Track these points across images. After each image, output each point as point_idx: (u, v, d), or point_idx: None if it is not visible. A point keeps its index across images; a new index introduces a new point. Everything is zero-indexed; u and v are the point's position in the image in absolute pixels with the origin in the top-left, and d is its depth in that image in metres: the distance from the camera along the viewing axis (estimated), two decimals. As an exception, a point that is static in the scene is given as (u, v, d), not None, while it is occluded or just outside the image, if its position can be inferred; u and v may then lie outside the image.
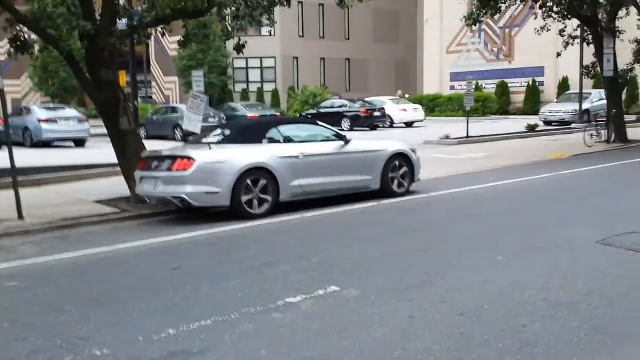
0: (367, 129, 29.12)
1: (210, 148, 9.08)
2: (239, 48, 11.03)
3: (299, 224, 8.72)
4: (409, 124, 31.84)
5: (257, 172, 9.00)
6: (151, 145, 11.86)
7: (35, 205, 10.18)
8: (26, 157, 18.48)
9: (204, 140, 9.70)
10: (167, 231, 8.39)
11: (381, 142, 11.25)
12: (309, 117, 30.90)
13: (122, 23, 11.30)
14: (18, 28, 10.32)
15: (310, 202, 9.70)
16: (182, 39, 11.59)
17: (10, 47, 10.44)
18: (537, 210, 9.17)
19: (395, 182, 10.54)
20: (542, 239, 7.26)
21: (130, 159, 10.33)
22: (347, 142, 10.15)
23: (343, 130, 28.76)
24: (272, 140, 9.64)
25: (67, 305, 5.29)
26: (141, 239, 7.98)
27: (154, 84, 46.80)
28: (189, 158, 8.73)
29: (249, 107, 30.22)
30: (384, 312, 4.97)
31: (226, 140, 9.53)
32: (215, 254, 7.16)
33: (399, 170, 10.58)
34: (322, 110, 30.98)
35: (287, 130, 9.95)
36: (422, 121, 32.45)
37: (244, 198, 8.87)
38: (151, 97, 45.42)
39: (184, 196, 8.65)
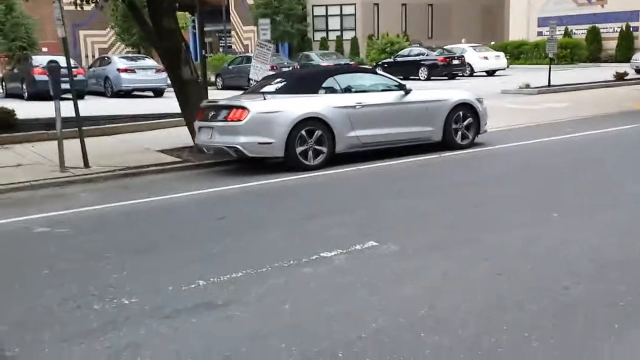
0: (445, 77, 28.29)
1: (264, 98, 9.00)
2: None
3: (353, 176, 8.57)
4: (490, 72, 30.68)
5: (311, 123, 8.87)
6: (225, 95, 11.91)
7: (102, 154, 10.51)
8: (105, 106, 19.16)
9: (262, 89, 9.63)
10: (222, 181, 8.47)
11: (444, 92, 10.82)
12: (385, 65, 30.39)
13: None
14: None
15: (369, 154, 9.52)
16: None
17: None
18: (608, 165, 8.63)
19: (459, 133, 10.16)
20: (606, 195, 6.82)
21: (193, 108, 10.41)
22: (407, 91, 9.82)
23: (420, 79, 28.12)
24: (328, 90, 9.45)
25: (108, 252, 5.42)
26: (196, 188, 8.09)
27: (233, 33, 47.07)
28: (243, 108, 8.69)
29: (324, 55, 29.96)
30: (418, 268, 4.81)
31: (282, 90, 9.42)
32: (263, 205, 7.15)
33: (463, 122, 10.17)
34: (398, 59, 30.31)
35: (344, 79, 9.71)
36: (504, 69, 31.17)
37: (299, 149, 8.78)
38: (231, 47, 45.77)
39: (238, 146, 8.66)
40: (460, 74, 29.13)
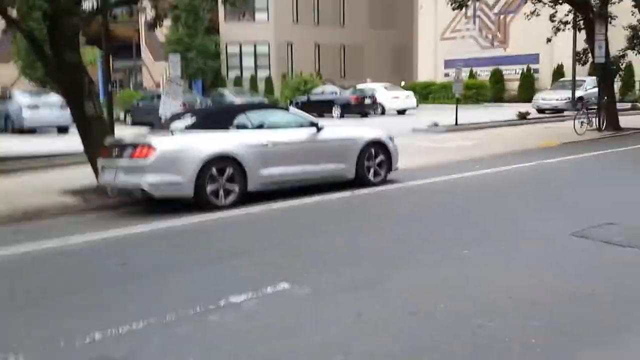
0: (358, 116, 28.73)
1: (172, 135, 8.68)
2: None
3: (266, 215, 8.35)
4: (401, 112, 31.45)
5: (222, 161, 8.61)
6: (134, 132, 11.45)
7: (-3, 196, 9.81)
8: (5, 144, 18.13)
9: (171, 126, 9.31)
10: (127, 223, 8.02)
11: (356, 129, 10.85)
12: (299, 104, 30.56)
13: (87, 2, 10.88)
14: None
15: (281, 192, 9.33)
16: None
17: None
18: (514, 201, 8.82)
19: (371, 171, 10.17)
20: (514, 231, 6.92)
21: (96, 146, 9.93)
22: (319, 129, 9.76)
23: (333, 117, 28.43)
24: (240, 127, 9.24)
25: (-9, 305, 4.93)
26: (97, 231, 7.60)
27: (144, 69, 46.26)
28: (149, 145, 8.33)
29: (238, 93, 29.83)
30: (331, 311, 4.62)
31: (192, 126, 9.13)
32: (169, 248, 6.79)
33: (375, 159, 10.20)
34: (312, 98, 30.60)
35: (256, 116, 9.54)
36: (414, 108, 32.05)
37: (209, 188, 8.48)
38: (141, 84, 44.89)
39: (144, 186, 8.26)
40: (373, 113, 29.67)
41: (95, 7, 10.55)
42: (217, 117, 9.52)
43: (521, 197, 9.07)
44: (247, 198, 8.89)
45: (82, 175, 11.21)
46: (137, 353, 3.94)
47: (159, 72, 44.79)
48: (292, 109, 10.58)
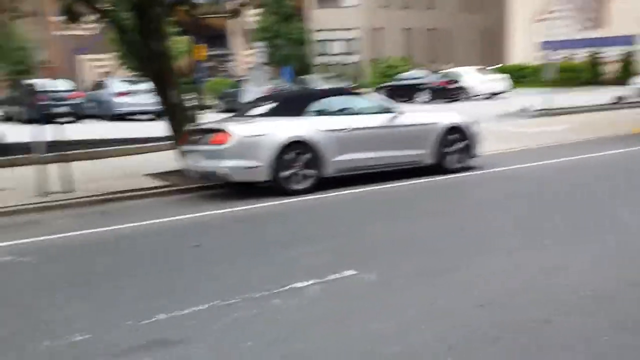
0: (446, 100, 28.12)
1: (250, 121, 8.79)
2: None
3: (340, 200, 8.32)
4: (491, 95, 30.50)
5: (299, 146, 8.64)
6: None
7: (88, 178, 10.29)
8: (99, 129, 19.03)
9: (250, 112, 9.44)
10: (205, 206, 8.23)
11: (436, 115, 10.59)
12: (386, 89, 30.27)
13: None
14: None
15: (358, 177, 9.27)
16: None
17: (64, 17, 10.52)
18: (601, 189, 8.33)
19: (451, 157, 9.90)
20: (600, 222, 6.52)
21: (180, 131, 10.22)
22: (397, 114, 9.60)
23: (420, 102, 27.99)
24: (316, 113, 9.23)
25: (67, 284, 5.18)
26: (177, 214, 7.84)
27: (235, 57, 47.14)
28: (227, 131, 8.49)
29: (324, 79, 29.86)
30: (395, 300, 4.53)
31: (269, 112, 9.22)
32: (242, 232, 6.90)
33: (455, 145, 9.92)
34: (399, 82, 30.18)
35: (332, 102, 9.50)
36: (506, 92, 31.01)
37: (285, 173, 8.54)
38: (232, 72, 45.80)
39: (223, 170, 8.44)
40: (461, 97, 28.95)
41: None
42: (293, 103, 9.55)
43: (609, 186, 8.57)
44: (323, 184, 8.89)
45: (168, 160, 11.58)
46: (196, 336, 4.01)
47: (248, 60, 45.62)
48: (368, 94, 10.42)
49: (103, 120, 23.50)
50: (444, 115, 10.53)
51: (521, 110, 20.22)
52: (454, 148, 9.93)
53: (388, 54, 40.62)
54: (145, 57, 10.39)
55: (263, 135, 8.54)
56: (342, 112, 9.49)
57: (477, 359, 3.61)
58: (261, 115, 9.19)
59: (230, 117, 10.51)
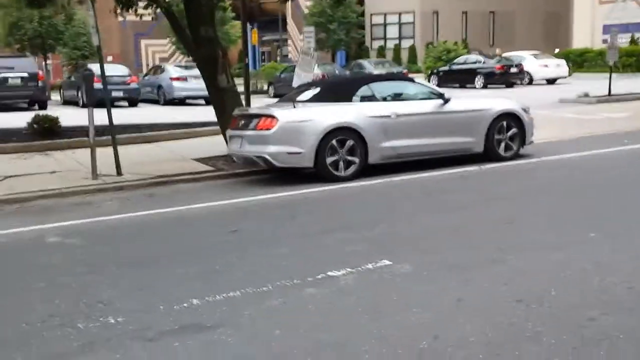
0: (503, 86, 27.43)
1: (294, 107, 8.74)
2: None
3: (384, 188, 8.20)
4: (550, 81, 29.60)
5: (343, 132, 8.54)
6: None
7: (139, 162, 10.49)
8: (155, 114, 19.36)
9: (296, 97, 9.38)
10: (248, 191, 8.26)
11: (487, 101, 10.31)
12: (441, 73, 29.76)
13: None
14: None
15: (405, 165, 9.11)
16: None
17: (115, 3, 10.67)
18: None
19: (502, 144, 9.62)
20: (653, 214, 6.23)
21: (228, 117, 10.26)
22: (446, 100, 9.37)
23: (475, 87, 27.40)
24: (362, 99, 9.11)
25: (110, 265, 5.26)
26: (219, 199, 7.89)
27: (289, 42, 47.23)
28: (272, 116, 8.46)
29: (377, 64, 29.57)
30: (430, 292, 4.42)
31: (315, 98, 9.13)
32: (282, 218, 6.87)
33: (507, 132, 9.63)
34: (454, 67, 29.61)
35: (379, 87, 9.35)
36: (565, 77, 30.03)
37: (329, 159, 8.47)
38: (287, 56, 45.93)
39: (266, 155, 8.43)
40: (519, 82, 28.19)
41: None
42: (340, 89, 9.45)
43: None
44: (369, 170, 8.78)
45: (217, 144, 11.67)
46: (226, 322, 4.00)
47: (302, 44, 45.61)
48: (417, 80, 10.20)
49: (159, 104, 23.90)
50: (496, 101, 10.24)
51: (581, 96, 19.52)
52: (506, 135, 9.64)
53: (444, 37, 39.84)
54: (195, 42, 10.44)
55: (307, 120, 8.48)
56: (390, 97, 9.33)
57: (515, 356, 3.46)
58: (307, 100, 9.11)
59: (277, 102, 10.48)
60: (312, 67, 12.63)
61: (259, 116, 8.69)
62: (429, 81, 29.88)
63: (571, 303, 4.13)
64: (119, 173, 9.45)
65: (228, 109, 10.33)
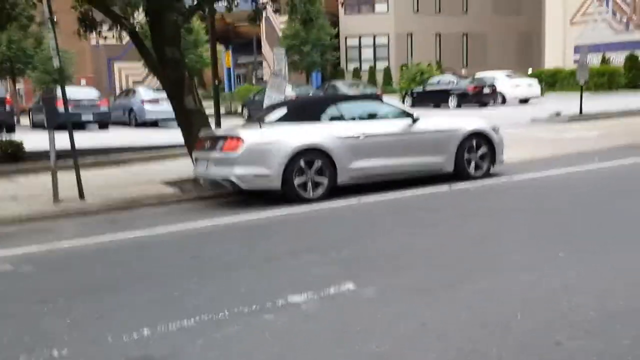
0: (476, 105, 27.62)
1: (260, 127, 8.59)
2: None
3: (353, 209, 8.04)
4: (523, 101, 29.88)
5: (311, 153, 8.40)
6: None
7: (103, 186, 10.24)
8: (125, 136, 19.09)
9: (263, 118, 9.24)
10: (213, 215, 8.04)
11: (457, 120, 10.25)
12: (415, 95, 29.90)
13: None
14: (85, 7, 10.33)
15: (375, 185, 8.97)
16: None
17: (79, 26, 10.49)
18: (632, 201, 7.90)
19: (472, 164, 9.55)
20: (625, 236, 6.11)
21: (195, 138, 10.07)
22: (415, 120, 9.29)
23: (449, 107, 27.55)
24: (331, 119, 8.99)
25: (61, 295, 5.01)
26: (184, 223, 7.66)
27: (264, 64, 47.26)
28: (238, 138, 8.30)
29: (350, 85, 29.63)
30: (394, 317, 4.24)
31: (282, 118, 8.99)
32: (245, 242, 6.67)
33: (477, 151, 9.57)
34: (428, 88, 29.77)
35: (348, 107, 9.24)
36: (538, 97, 30.34)
37: (297, 181, 8.31)
38: (262, 78, 45.92)
39: (233, 178, 8.24)
40: (492, 102, 28.39)
41: (194, 2, 10.68)
42: (307, 109, 9.32)
43: (638, 197, 8.13)
44: (338, 191, 8.63)
45: (185, 167, 11.46)
46: (179, 353, 3.79)
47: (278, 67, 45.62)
48: (385, 100, 10.11)
49: (130, 127, 23.64)
50: (466, 120, 10.19)
51: (552, 115, 19.67)
52: (476, 155, 9.58)
53: (418, 59, 40.19)
54: (160, 63, 10.28)
55: (274, 142, 8.32)
56: (358, 117, 9.23)
57: (473, 384, 3.31)
58: (275, 121, 8.97)
59: (244, 123, 10.32)
60: (282, 89, 12.54)
61: (224, 138, 8.51)
62: (403, 102, 30.03)
63: (536, 327, 3.98)
64: (81, 198, 9.19)
65: (195, 131, 10.15)
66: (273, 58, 13.52)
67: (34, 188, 10.40)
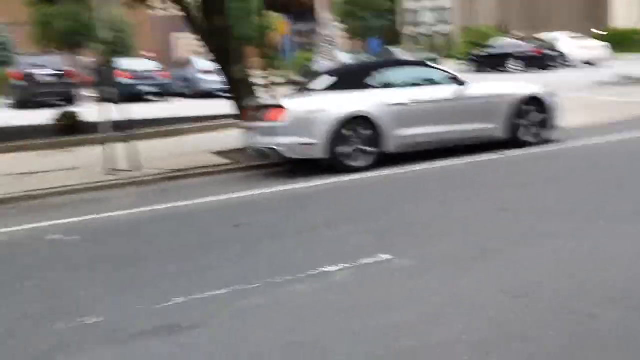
0: (538, 69, 26.70)
1: (307, 96, 8.53)
2: None
3: (398, 178, 7.94)
4: (589, 63, 28.68)
5: (357, 122, 8.30)
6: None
7: (157, 157, 10.43)
8: (181, 108, 19.40)
9: (310, 86, 9.18)
10: (260, 184, 8.11)
11: (509, 85, 9.92)
12: (475, 58, 29.15)
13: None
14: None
15: (425, 153, 8.81)
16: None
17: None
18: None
19: (525, 130, 9.25)
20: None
21: (243, 108, 10.13)
22: (465, 85, 9.04)
23: (510, 71, 26.74)
24: (377, 85, 8.84)
25: (102, 263, 5.17)
26: (231, 192, 7.75)
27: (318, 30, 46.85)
28: (283, 107, 8.27)
29: (407, 51, 29.13)
30: (425, 288, 4.18)
31: (328, 86, 8.90)
32: (286, 211, 6.70)
33: (530, 117, 9.25)
34: (489, 51, 28.95)
35: (394, 73, 9.06)
36: (605, 59, 29.05)
37: (343, 150, 8.24)
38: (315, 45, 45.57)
39: (277, 147, 8.25)
40: (555, 65, 27.38)
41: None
42: (353, 76, 9.17)
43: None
44: (386, 160, 8.52)
45: (235, 137, 11.57)
46: (205, 322, 3.85)
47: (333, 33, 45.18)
48: (434, 65, 9.85)
49: (188, 98, 23.97)
50: (519, 85, 9.86)
51: (620, 78, 18.81)
52: (529, 121, 9.26)
53: (481, 22, 39.06)
54: (209, 32, 10.33)
55: (319, 110, 8.26)
56: (406, 83, 9.04)
57: (504, 356, 3.22)
58: (321, 89, 8.89)
59: (291, 92, 10.28)
60: (332, 55, 12.41)
61: (270, 107, 8.52)
62: (464, 66, 29.31)
63: (573, 299, 3.85)
64: (134, 168, 9.40)
65: (243, 101, 10.20)
66: (322, 25, 13.36)
67: (89, 159, 10.69)
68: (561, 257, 4.55)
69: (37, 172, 9.67)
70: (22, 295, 4.54)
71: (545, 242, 4.89)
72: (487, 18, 40.58)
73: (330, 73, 9.62)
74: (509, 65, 27.18)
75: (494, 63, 28.09)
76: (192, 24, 10.58)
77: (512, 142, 9.16)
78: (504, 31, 35.78)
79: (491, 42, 29.93)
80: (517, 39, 29.37)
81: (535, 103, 9.29)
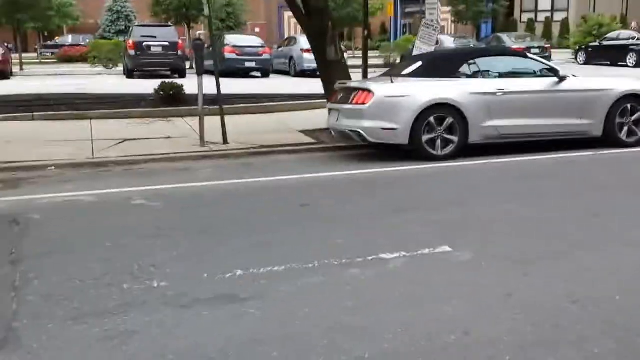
0: (659, 64, 25.04)
1: (392, 81, 8.50)
2: None
3: (479, 169, 7.80)
4: None
5: (442, 109, 8.20)
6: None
7: (247, 132, 10.76)
8: (281, 85, 19.75)
9: (398, 72, 9.13)
10: (339, 166, 8.22)
11: (609, 80, 9.42)
12: (589, 50, 27.72)
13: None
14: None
15: (512, 146, 8.58)
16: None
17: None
18: None
19: (625, 129, 8.80)
20: None
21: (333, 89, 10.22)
22: (562, 78, 8.69)
23: (628, 65, 25.26)
24: (466, 74, 8.67)
25: (176, 231, 5.44)
26: (310, 172, 7.90)
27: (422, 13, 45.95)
28: (368, 91, 8.29)
29: (518, 38, 28.07)
30: (481, 284, 4.14)
31: (416, 72, 8.82)
32: (358, 195, 6.74)
33: (631, 115, 8.78)
34: (605, 43, 27.43)
35: (487, 62, 8.83)
36: None
37: (425, 137, 8.18)
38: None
39: (360, 130, 8.30)
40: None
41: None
42: (443, 63, 9.04)
43: None
44: (468, 150, 8.38)
45: (324, 117, 11.69)
46: (261, 295, 4.00)
47: (444, 17, 44.19)
48: (530, 55, 9.51)
49: (290, 76, 24.35)
50: (621, 81, 9.35)
51: None
52: (629, 119, 8.80)
53: (601, 11, 36.95)
54: (306, 13, 10.46)
55: (404, 96, 8.22)
56: (497, 73, 8.81)
57: (541, 361, 3.17)
58: (408, 75, 8.84)
59: (378, 76, 10.26)
60: (433, 40, 12.21)
61: (356, 90, 8.56)
62: (576, 58, 27.97)
63: (635, 308, 3.70)
64: (224, 141, 9.75)
65: (334, 82, 10.28)
66: (428, 7, 13.11)
67: (186, 129, 11.19)
68: (631, 268, 4.35)
69: (137, 139, 10.22)
70: (101, 255, 4.86)
71: (624, 250, 4.69)
72: (608, 8, 38.29)
73: (418, 59, 9.52)
74: (626, 59, 25.65)
75: (608, 55, 26.62)
76: (292, 3, 10.74)
77: (609, 140, 8.75)
78: (624, 22, 33.69)
79: (610, 33, 28.29)
80: (637, 31, 27.60)
81: (637, 101, 8.80)
